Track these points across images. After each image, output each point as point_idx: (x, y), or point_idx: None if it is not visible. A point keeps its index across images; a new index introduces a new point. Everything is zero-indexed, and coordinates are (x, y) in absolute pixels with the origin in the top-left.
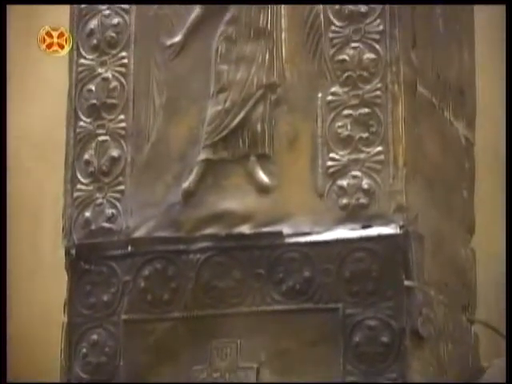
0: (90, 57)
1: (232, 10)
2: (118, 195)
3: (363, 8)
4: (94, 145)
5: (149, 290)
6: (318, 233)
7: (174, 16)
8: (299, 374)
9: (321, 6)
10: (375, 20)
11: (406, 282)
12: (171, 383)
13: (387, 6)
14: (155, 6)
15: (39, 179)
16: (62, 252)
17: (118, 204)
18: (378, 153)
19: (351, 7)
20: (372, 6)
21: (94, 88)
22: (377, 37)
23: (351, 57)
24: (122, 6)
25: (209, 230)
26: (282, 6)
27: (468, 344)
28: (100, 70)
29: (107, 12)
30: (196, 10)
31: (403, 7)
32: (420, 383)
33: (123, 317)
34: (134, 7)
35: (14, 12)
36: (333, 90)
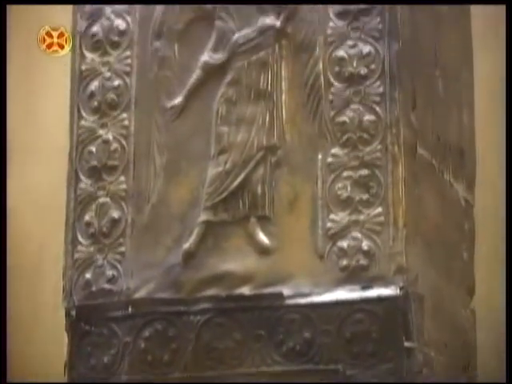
0: (90, 118)
1: (232, 71)
2: (118, 256)
3: (363, 70)
4: (94, 206)
5: (149, 351)
6: (318, 294)
7: (175, 78)
8: None
9: (321, 68)
10: (375, 82)
11: (406, 344)
12: (174, 383)
13: (387, 68)
14: (156, 69)
15: (40, 239)
16: (63, 313)
17: (118, 265)
18: (378, 214)
19: (351, 69)
20: (372, 68)
21: (94, 150)
22: (377, 99)
23: (351, 119)
24: (124, 68)
25: (209, 292)
26: (283, 68)
27: None
28: (101, 132)
29: (108, 74)
30: (196, 72)
31: (404, 70)
32: (420, 383)
33: (123, 378)
34: (135, 69)
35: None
36: (333, 151)
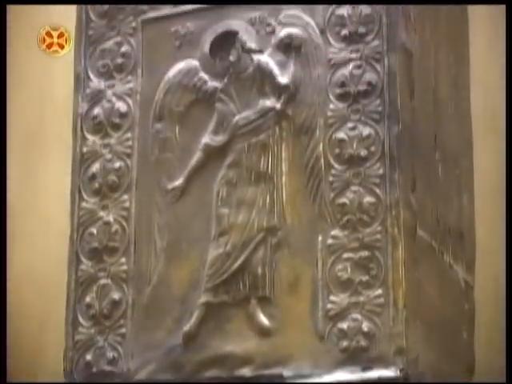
0: (91, 200)
1: (233, 153)
2: (119, 338)
3: (363, 152)
4: (95, 288)
5: None
6: (318, 375)
7: (176, 160)
8: None
9: (321, 150)
10: (375, 164)
11: None
12: (173, 383)
13: (386, 150)
14: (156, 151)
15: (40, 320)
16: None
17: (118, 347)
18: (378, 296)
19: (351, 151)
20: (372, 150)
21: (95, 231)
22: (377, 180)
23: (351, 200)
24: (125, 150)
25: (210, 373)
26: (283, 150)
27: None
28: (101, 214)
29: (109, 156)
30: (197, 154)
31: (404, 153)
32: (420, 383)
33: None
34: (136, 151)
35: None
36: (333, 233)
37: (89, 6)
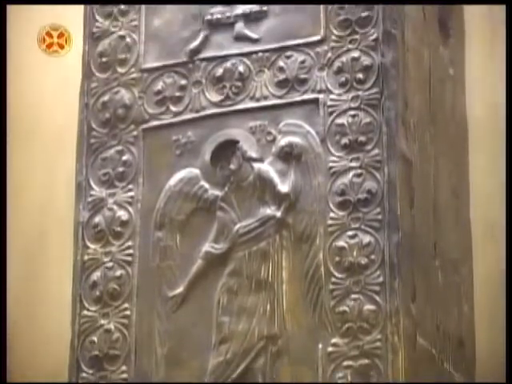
0: (92, 308)
1: (233, 262)
2: None
3: (363, 260)
4: None
5: None
6: None
7: (176, 268)
8: None
9: (321, 258)
10: (375, 272)
11: None
12: (173, 383)
13: (386, 258)
14: (157, 259)
15: None
16: None
17: None
18: None
19: (351, 259)
20: (372, 258)
21: (96, 339)
22: (377, 288)
23: (351, 308)
24: (126, 258)
25: None
26: (283, 258)
27: None
28: (102, 322)
29: (110, 264)
30: (198, 262)
31: (404, 261)
32: (420, 383)
33: None
34: (137, 259)
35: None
36: (333, 341)
37: (90, 116)
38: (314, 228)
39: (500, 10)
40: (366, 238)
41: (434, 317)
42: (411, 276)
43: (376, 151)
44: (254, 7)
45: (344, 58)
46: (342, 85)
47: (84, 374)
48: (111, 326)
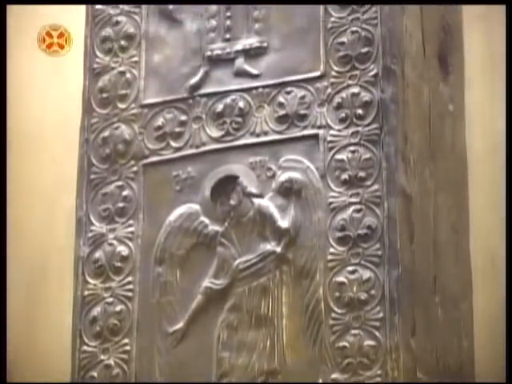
0: (92, 344)
1: (233, 297)
2: None
3: (363, 296)
4: None
5: None
6: None
7: (176, 303)
8: None
9: (321, 293)
10: (375, 307)
11: None
12: (173, 383)
13: (386, 293)
14: (157, 295)
15: None
16: None
17: None
18: None
19: (351, 295)
20: (372, 293)
21: (96, 375)
22: (377, 324)
23: (351, 344)
24: (126, 293)
25: None
26: (283, 293)
27: None
28: (102, 357)
29: (110, 300)
30: (198, 298)
31: (403, 296)
32: (420, 383)
33: None
34: (137, 294)
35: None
36: (333, 376)
37: (90, 151)
38: (314, 263)
39: (500, 43)
40: (366, 274)
41: (433, 351)
42: (411, 311)
43: (376, 187)
44: (254, 43)
45: (344, 94)
46: (341, 120)
47: None
48: (111, 362)
